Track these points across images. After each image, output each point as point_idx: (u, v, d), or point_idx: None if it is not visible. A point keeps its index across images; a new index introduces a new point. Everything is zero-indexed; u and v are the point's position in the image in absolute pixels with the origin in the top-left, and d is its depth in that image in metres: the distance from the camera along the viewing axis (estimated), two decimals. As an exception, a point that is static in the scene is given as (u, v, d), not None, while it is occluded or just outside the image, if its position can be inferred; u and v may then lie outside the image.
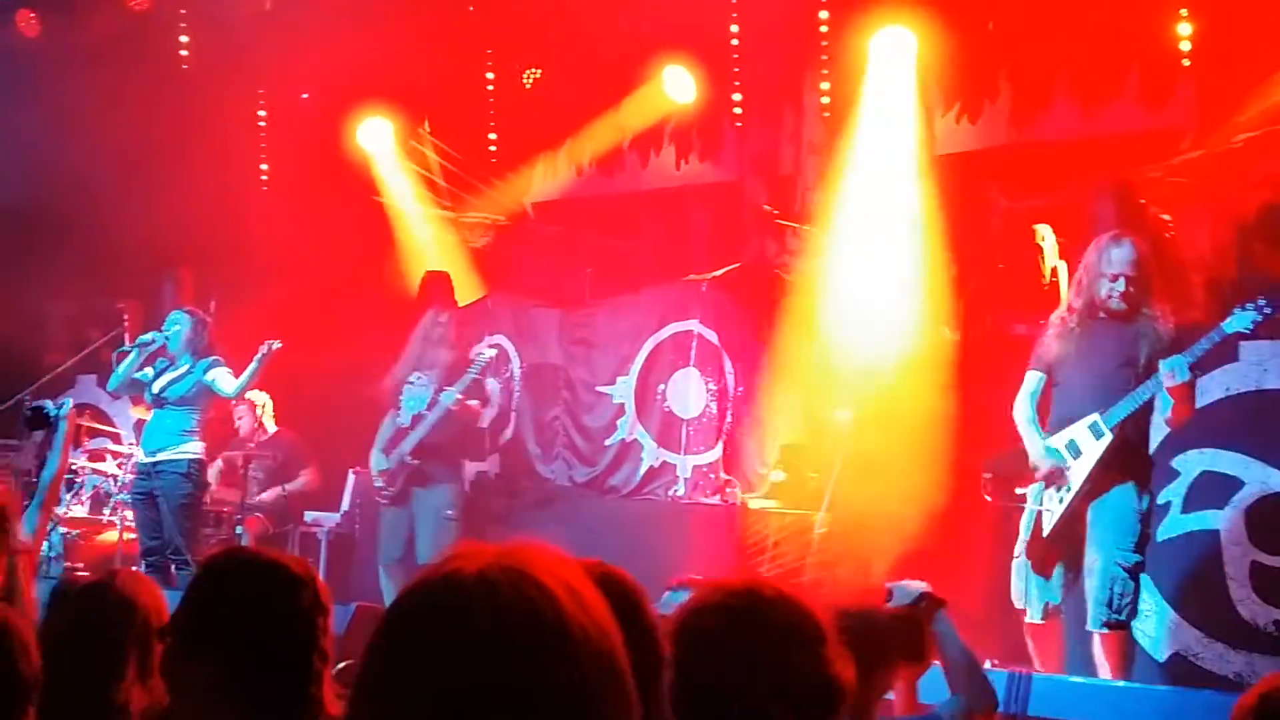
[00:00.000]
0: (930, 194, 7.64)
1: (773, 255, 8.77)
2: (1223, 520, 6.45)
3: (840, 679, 2.55)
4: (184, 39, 9.60)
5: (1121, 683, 5.48)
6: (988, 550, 6.26)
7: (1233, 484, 6.46)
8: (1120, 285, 5.59)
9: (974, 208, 8.00)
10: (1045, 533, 5.69)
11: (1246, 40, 6.99)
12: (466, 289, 9.43)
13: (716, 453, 8.54)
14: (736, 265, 8.65)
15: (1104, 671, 5.54)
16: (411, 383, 7.94)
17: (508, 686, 1.15)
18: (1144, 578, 5.73)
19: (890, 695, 3.61)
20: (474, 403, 7.86)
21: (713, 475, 8.44)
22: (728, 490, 8.20)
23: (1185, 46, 7.15)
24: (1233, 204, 7.21)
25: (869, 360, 7.31)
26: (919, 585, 3.71)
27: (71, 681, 2.95)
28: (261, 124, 10.18)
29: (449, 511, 7.73)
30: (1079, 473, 5.59)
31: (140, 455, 7.92)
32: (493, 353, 7.98)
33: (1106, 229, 6.59)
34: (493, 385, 8.37)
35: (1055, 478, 5.67)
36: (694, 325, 8.76)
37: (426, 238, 9.81)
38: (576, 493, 8.94)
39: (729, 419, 8.55)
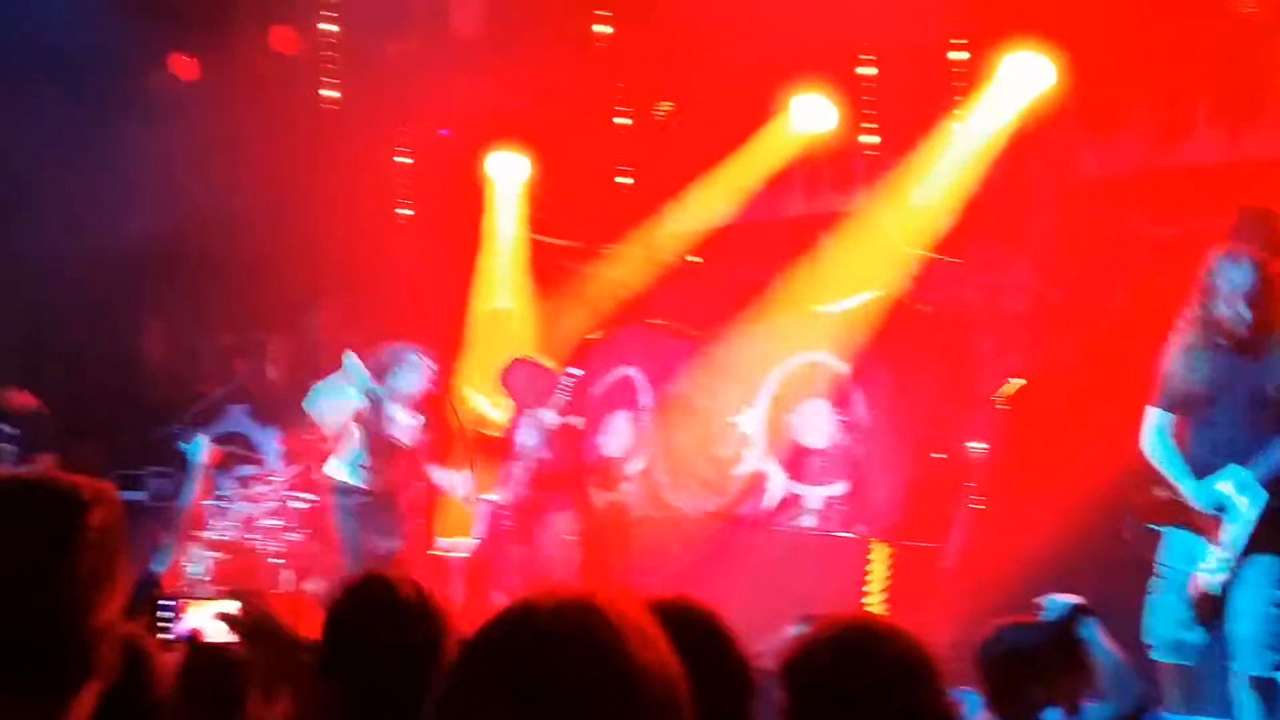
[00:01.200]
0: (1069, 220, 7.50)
1: (904, 287, 8.66)
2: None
3: (952, 715, 2.53)
4: (331, 80, 9.94)
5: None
6: (1128, 587, 6.05)
7: None
8: (1244, 307, 5.21)
9: (1114, 233, 7.81)
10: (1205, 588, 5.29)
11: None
12: (599, 321, 9.53)
13: (845, 485, 8.47)
14: (868, 296, 8.57)
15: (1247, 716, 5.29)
16: (519, 427, 8.08)
17: None
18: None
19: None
20: (576, 420, 7.93)
21: (841, 507, 8.37)
22: (856, 523, 8.13)
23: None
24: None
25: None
26: (1070, 599, 3.71)
27: None
28: (403, 159, 10.45)
29: (568, 536, 7.80)
30: (1239, 536, 5.18)
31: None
32: (578, 373, 8.02)
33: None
34: (621, 419, 8.43)
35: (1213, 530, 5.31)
36: (823, 356, 8.71)
37: (559, 272, 9.94)
38: (705, 522, 8.95)
39: (858, 451, 8.47)
